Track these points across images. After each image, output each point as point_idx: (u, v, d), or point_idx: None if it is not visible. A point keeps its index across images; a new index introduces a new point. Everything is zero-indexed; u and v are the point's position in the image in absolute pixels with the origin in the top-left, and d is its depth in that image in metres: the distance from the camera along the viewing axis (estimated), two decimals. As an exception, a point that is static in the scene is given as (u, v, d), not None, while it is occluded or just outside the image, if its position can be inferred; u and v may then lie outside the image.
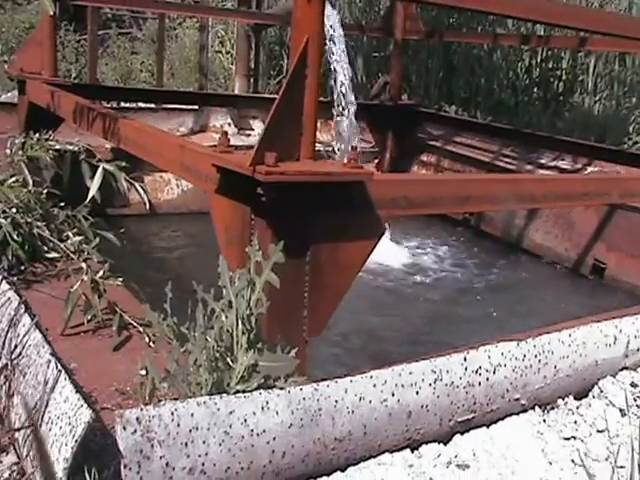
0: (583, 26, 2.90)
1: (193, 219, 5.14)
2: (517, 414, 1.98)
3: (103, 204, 3.27)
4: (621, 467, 1.76)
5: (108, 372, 1.97)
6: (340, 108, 3.69)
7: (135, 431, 1.34)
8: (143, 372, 1.84)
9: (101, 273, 2.39)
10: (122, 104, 5.95)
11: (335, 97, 3.74)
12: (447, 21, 9.20)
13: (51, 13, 2.65)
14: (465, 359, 1.84)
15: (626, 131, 7.41)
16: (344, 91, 3.62)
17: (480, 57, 8.90)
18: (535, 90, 8.68)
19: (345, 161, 2.15)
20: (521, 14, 2.66)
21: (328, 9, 2.12)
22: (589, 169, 5.06)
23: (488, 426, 1.91)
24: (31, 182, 3.13)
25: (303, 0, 1.99)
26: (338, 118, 3.74)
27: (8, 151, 3.33)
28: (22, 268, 2.70)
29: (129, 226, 4.35)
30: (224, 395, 1.52)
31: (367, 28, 7.85)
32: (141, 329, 2.26)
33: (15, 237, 2.71)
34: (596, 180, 3.32)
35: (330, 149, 4.92)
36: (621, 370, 2.28)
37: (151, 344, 2.19)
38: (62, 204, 3.07)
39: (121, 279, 2.43)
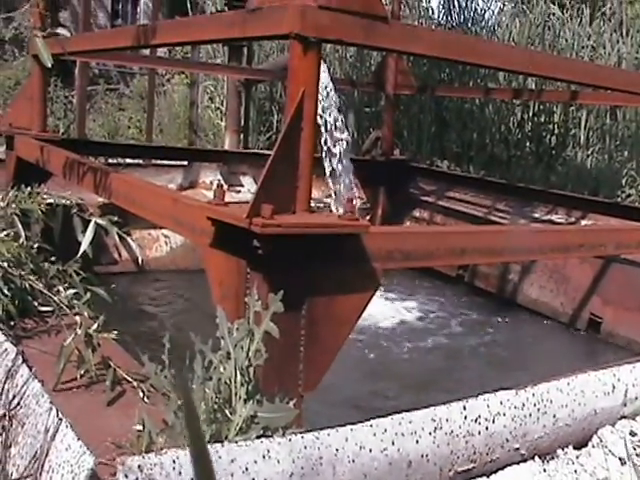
0: (575, 79, 2.95)
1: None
2: (517, 464, 1.96)
3: (90, 262, 3.25)
4: (623, 516, 1.74)
5: (102, 427, 1.93)
6: (335, 161, 3.71)
7: (137, 479, 1.32)
8: (139, 427, 1.82)
9: (95, 327, 2.36)
10: (110, 160, 5.97)
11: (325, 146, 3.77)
12: (439, 76, 9.35)
13: (49, 65, 2.67)
14: (464, 408, 1.83)
15: (619, 184, 7.51)
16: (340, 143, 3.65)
17: (472, 112, 9.03)
18: (528, 144, 8.80)
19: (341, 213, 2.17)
20: (514, 67, 2.71)
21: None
22: (583, 222, 5.09)
23: (488, 476, 1.89)
24: (23, 236, 3.11)
25: (299, 53, 2.02)
26: (331, 171, 3.76)
27: (1, 204, 3.32)
28: (12, 324, 2.65)
29: (119, 284, 4.34)
30: (226, 443, 1.50)
31: (358, 83, 7.96)
32: (135, 384, 2.23)
33: (5, 292, 2.68)
34: (591, 231, 3.33)
35: (322, 205, 4.95)
36: (620, 419, 2.27)
37: (145, 399, 2.16)
38: (53, 258, 3.05)
39: (115, 332, 2.41)
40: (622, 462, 2.06)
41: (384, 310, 4.77)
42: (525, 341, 4.71)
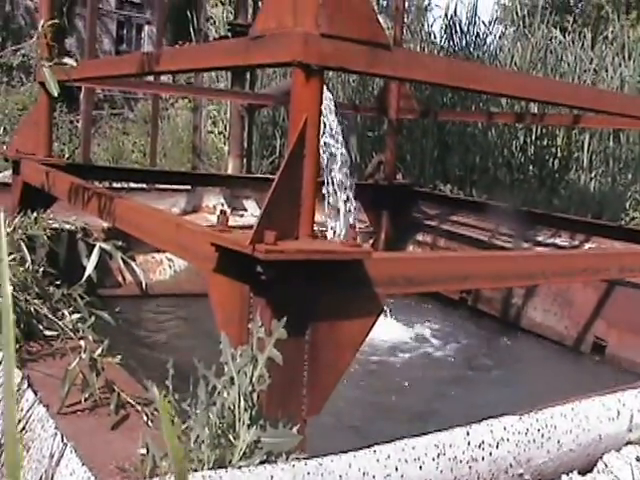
0: (578, 104, 2.97)
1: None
2: (521, 490, 1.96)
3: (95, 285, 3.26)
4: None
5: (106, 450, 1.94)
6: (337, 187, 3.73)
7: (142, 507, 1.32)
8: (143, 451, 1.82)
9: (99, 351, 2.38)
10: (114, 184, 6.00)
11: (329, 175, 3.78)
12: (441, 100, 9.39)
13: (56, 95, 2.70)
14: (468, 433, 1.84)
15: (623, 207, 7.51)
16: (341, 169, 3.66)
17: (475, 135, 9.06)
18: (530, 168, 8.81)
19: (344, 239, 2.18)
20: (516, 93, 2.73)
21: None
22: (587, 246, 5.08)
23: (492, 502, 1.89)
24: (29, 260, 3.13)
25: (302, 80, 2.04)
26: (331, 198, 3.77)
27: (8, 229, 3.34)
28: (17, 347, 2.67)
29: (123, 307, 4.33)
30: (229, 468, 1.50)
31: (361, 107, 7.99)
32: (139, 408, 2.24)
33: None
34: (595, 255, 3.33)
35: (324, 229, 4.96)
36: (625, 445, 2.26)
37: (149, 423, 2.17)
38: (58, 282, 3.07)
39: (120, 357, 2.42)
40: (627, 488, 2.05)
41: (382, 332, 4.74)
42: (530, 365, 4.70)
